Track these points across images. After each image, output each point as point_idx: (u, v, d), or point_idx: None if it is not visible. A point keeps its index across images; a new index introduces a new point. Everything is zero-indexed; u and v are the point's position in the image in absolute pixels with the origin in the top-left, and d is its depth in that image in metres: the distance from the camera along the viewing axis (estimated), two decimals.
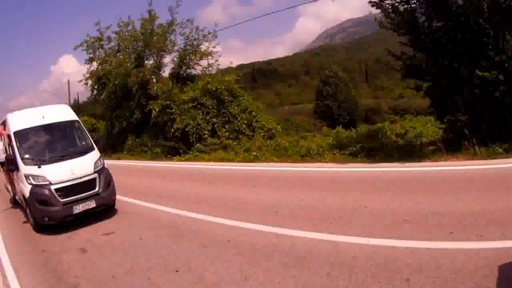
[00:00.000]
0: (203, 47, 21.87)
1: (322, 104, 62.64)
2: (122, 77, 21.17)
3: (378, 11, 10.46)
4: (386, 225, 5.36)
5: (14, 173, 8.77)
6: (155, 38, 21.66)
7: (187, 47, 22.05)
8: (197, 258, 5.27)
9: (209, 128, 17.74)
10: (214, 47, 21.80)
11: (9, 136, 8.92)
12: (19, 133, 8.46)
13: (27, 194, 7.78)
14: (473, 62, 9.05)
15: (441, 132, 11.14)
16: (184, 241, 6.12)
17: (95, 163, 8.34)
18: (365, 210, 6.12)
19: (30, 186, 7.70)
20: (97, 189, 8.07)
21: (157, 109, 19.04)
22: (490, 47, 8.89)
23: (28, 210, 8.23)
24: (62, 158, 8.18)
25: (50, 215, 7.57)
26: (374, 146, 10.82)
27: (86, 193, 7.90)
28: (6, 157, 8.71)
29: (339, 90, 61.36)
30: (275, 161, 12.25)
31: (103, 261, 5.81)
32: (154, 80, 21.18)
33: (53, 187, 7.62)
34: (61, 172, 7.79)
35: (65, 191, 7.71)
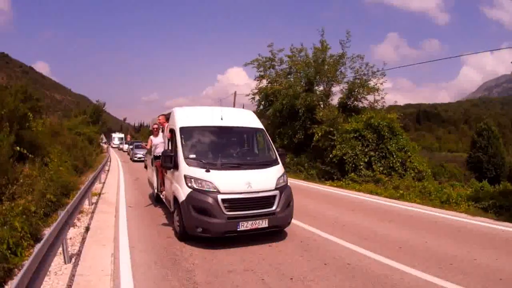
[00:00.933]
0: (371, 82, 22.36)
1: (474, 156, 60.20)
2: (290, 98, 23.08)
3: None
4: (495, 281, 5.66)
5: (169, 171, 8.29)
6: (326, 67, 22.96)
7: (356, 80, 22.76)
8: (315, 271, 6.02)
9: (366, 160, 18.19)
10: (381, 84, 22.17)
11: (172, 131, 8.49)
12: (187, 130, 7.90)
13: (181, 198, 7.01)
14: None
15: None
16: (310, 256, 6.80)
17: (278, 179, 7.40)
18: (474, 263, 6.47)
19: (188, 190, 6.92)
20: (274, 207, 7.08)
21: (319, 134, 20.27)
22: None
23: (176, 215, 7.48)
24: (238, 166, 7.41)
25: (206, 227, 6.67)
26: (504, 204, 10.95)
27: (259, 210, 6.96)
28: (163, 152, 8.09)
29: (490, 144, 58.31)
30: (417, 202, 12.65)
31: None
32: (322, 106, 22.36)
33: (220, 197, 6.73)
34: (234, 182, 6.95)
35: (234, 203, 6.81)
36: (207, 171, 6.99)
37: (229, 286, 5.35)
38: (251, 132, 8.71)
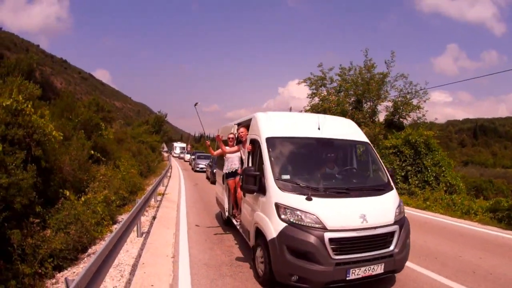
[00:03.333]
0: (415, 100, 23.32)
1: None
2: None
3: None
4: None
5: (249, 195, 6.35)
6: (371, 86, 23.79)
7: (399, 99, 23.73)
8: None
9: (402, 174, 18.86)
10: (425, 101, 23.09)
11: (254, 142, 6.78)
12: (275, 142, 6.12)
13: (271, 234, 5.21)
14: None
15: None
16: None
17: (396, 209, 5.62)
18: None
19: (282, 225, 5.12)
20: (392, 247, 5.32)
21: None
22: None
23: (260, 251, 5.72)
24: (346, 192, 5.51)
25: (305, 275, 4.93)
26: None
27: (374, 252, 5.17)
28: (245, 171, 6.03)
29: None
30: (440, 213, 13.42)
31: None
32: (365, 123, 23.32)
33: (327, 235, 4.94)
34: (345, 215, 5.18)
35: (345, 244, 5.03)
36: (309, 198, 5.13)
37: None
38: (355, 146, 6.95)
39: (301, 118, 7.33)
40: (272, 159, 5.82)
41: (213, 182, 18.42)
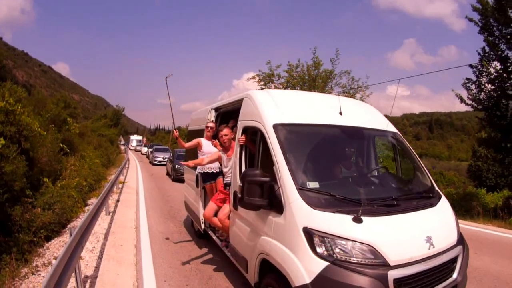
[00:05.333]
0: (358, 95, 25.37)
1: (474, 165, 60.82)
2: None
3: None
4: None
5: (250, 212, 4.25)
6: (317, 82, 26.19)
7: (343, 94, 26.08)
8: None
9: None
10: (368, 96, 25.09)
11: (252, 132, 4.84)
12: (289, 132, 4.16)
13: (301, 278, 3.29)
14: None
15: None
16: None
17: (456, 222, 4.21)
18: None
19: (321, 263, 3.23)
20: (455, 275, 3.76)
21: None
22: None
23: None
24: (396, 205, 3.71)
25: None
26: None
27: (441, 285, 3.60)
28: (246, 174, 3.93)
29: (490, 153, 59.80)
30: None
31: None
32: None
33: (392, 275, 3.17)
34: (409, 239, 3.46)
35: (412, 285, 3.32)
36: (357, 219, 3.31)
37: None
38: (385, 137, 5.29)
39: (315, 98, 5.42)
40: (289, 157, 3.82)
41: (176, 180, 18.34)
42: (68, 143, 15.80)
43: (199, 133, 7.20)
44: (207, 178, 6.61)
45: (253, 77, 30.02)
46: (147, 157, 41.01)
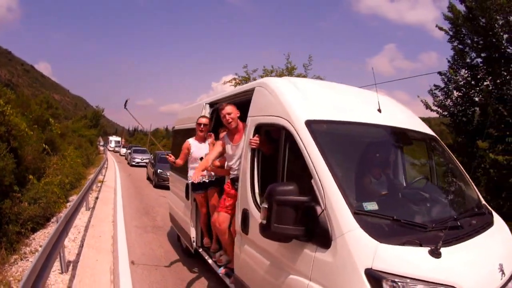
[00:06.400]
0: None
1: None
2: None
3: None
4: None
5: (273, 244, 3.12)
6: None
7: None
8: None
9: None
10: None
11: (265, 132, 3.93)
12: (328, 132, 3.23)
13: None
14: None
15: None
16: None
17: None
18: None
19: None
20: None
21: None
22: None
23: None
24: (461, 228, 2.93)
25: None
26: None
27: None
28: (275, 191, 2.74)
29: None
30: None
31: None
32: None
33: None
34: (484, 272, 2.75)
35: None
36: (436, 253, 2.42)
37: None
38: (426, 142, 4.41)
39: (346, 90, 4.39)
40: (335, 167, 2.82)
41: (159, 186, 17.22)
42: (50, 143, 16.60)
43: (187, 133, 6.06)
44: (197, 187, 5.45)
45: (230, 81, 30.51)
46: (126, 158, 40.94)
